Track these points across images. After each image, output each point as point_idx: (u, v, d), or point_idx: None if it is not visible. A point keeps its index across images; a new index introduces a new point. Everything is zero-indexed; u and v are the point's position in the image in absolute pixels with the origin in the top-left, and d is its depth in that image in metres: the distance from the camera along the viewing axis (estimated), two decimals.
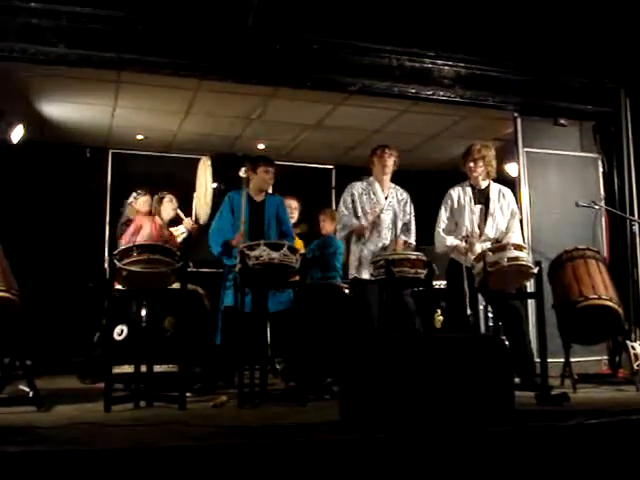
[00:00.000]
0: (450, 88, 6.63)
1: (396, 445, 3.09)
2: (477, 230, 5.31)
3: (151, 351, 4.68)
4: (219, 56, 5.93)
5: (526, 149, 6.87)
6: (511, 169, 7.61)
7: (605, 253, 6.69)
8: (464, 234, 5.26)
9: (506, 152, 7.32)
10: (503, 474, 3.14)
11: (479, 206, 5.37)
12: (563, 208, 6.73)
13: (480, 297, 5.12)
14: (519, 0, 6.16)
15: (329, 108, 7.47)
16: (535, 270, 4.82)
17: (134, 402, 4.44)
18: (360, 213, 5.42)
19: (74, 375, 6.23)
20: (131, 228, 5.81)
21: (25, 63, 5.72)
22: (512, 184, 6.21)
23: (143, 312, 4.90)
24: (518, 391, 4.00)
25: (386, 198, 5.45)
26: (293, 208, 6.28)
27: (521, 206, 6.50)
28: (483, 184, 5.43)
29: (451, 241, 5.30)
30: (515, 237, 5.26)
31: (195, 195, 6.62)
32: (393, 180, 5.58)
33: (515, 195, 5.71)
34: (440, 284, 6.46)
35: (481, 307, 5.20)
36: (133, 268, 4.35)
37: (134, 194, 6.32)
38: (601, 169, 7.12)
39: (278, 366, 5.89)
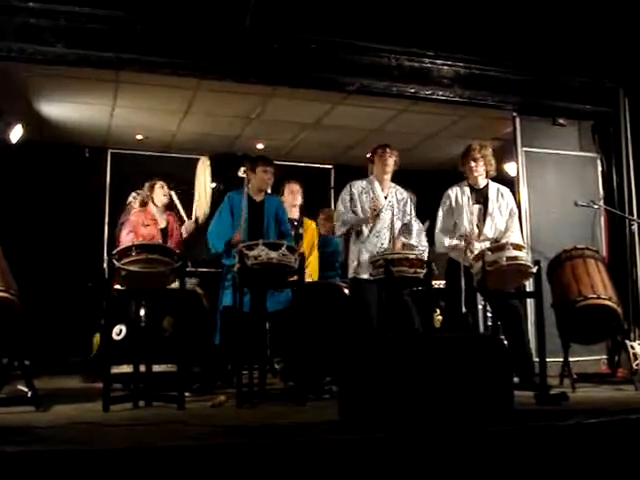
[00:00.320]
0: (449, 88, 6.64)
1: (396, 445, 3.09)
2: (476, 230, 5.31)
3: (150, 351, 4.68)
4: (218, 56, 5.93)
5: (525, 149, 6.88)
6: (510, 169, 7.61)
7: (604, 252, 6.69)
8: (462, 233, 5.27)
9: (505, 152, 7.32)
10: (502, 473, 3.14)
11: (477, 206, 5.37)
12: (562, 208, 6.73)
13: (479, 296, 5.12)
14: (518, 0, 6.17)
15: (328, 107, 7.47)
16: (534, 269, 4.82)
17: (133, 402, 4.44)
18: (359, 212, 5.41)
19: (73, 375, 6.22)
20: (125, 231, 5.79)
21: (23, 63, 5.71)
22: (511, 184, 6.21)
23: (142, 312, 4.90)
24: (517, 390, 3.99)
25: (386, 197, 5.44)
26: (296, 191, 6.28)
27: (520, 206, 6.50)
28: (482, 184, 5.43)
29: (449, 242, 5.31)
30: (515, 237, 5.26)
31: (195, 195, 6.62)
32: (392, 180, 5.58)
33: (514, 195, 5.71)
34: (439, 284, 6.46)
35: (480, 307, 5.19)
36: (132, 268, 4.35)
37: (133, 194, 6.32)
38: (600, 168, 7.12)
39: (277, 366, 5.89)
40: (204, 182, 6.54)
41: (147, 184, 5.93)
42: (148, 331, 4.82)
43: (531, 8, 6.16)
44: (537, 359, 4.93)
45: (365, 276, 5.23)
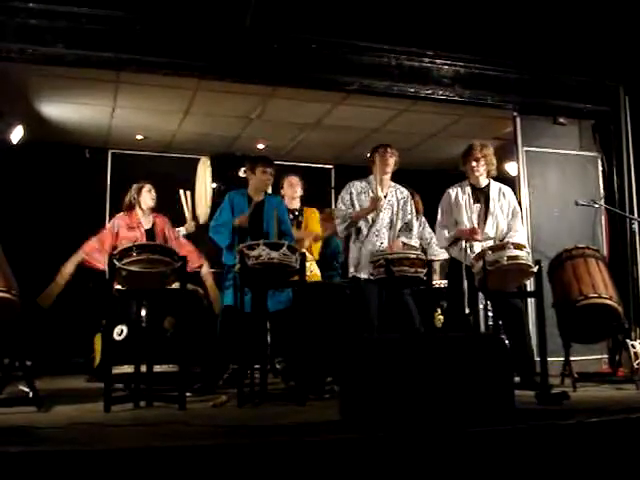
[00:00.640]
0: (449, 87, 6.64)
1: (396, 444, 3.09)
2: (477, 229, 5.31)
3: (151, 351, 4.68)
4: (218, 56, 5.94)
5: (525, 148, 6.88)
6: (511, 168, 7.61)
7: (605, 252, 6.69)
8: (465, 228, 5.28)
9: (506, 151, 7.32)
10: (503, 473, 3.14)
11: (478, 205, 5.37)
12: (563, 207, 6.74)
13: (480, 296, 5.12)
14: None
15: (328, 107, 7.46)
16: (535, 269, 4.82)
17: (134, 402, 4.44)
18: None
19: (74, 375, 6.22)
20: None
21: (24, 63, 5.72)
22: (512, 183, 6.20)
23: (143, 312, 4.89)
24: (518, 390, 4.00)
25: (385, 197, 5.44)
26: (295, 184, 6.26)
27: (521, 205, 6.48)
28: (483, 183, 5.44)
29: (450, 234, 5.31)
30: (519, 236, 5.26)
31: (196, 195, 6.63)
32: (393, 179, 5.58)
33: (515, 194, 5.71)
34: (440, 283, 6.47)
35: (481, 306, 5.19)
36: (132, 268, 4.35)
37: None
38: (600, 168, 7.12)
39: (278, 366, 5.88)
40: (204, 182, 6.55)
41: (135, 186, 5.87)
42: (149, 331, 4.82)
43: (531, 7, 6.16)
44: (538, 358, 4.93)
45: (365, 276, 5.23)
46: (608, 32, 6.44)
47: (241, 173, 5.71)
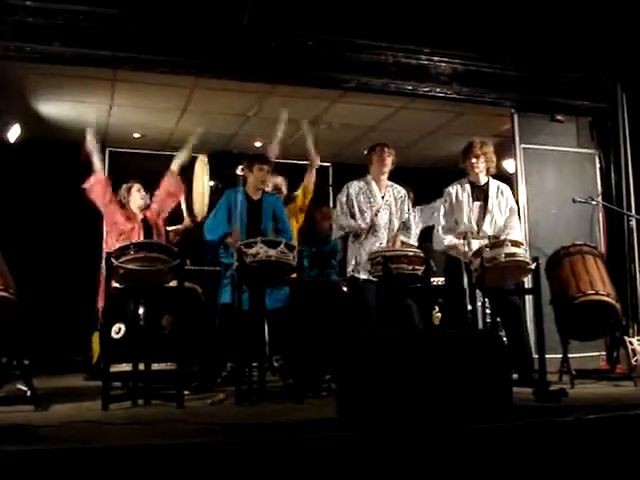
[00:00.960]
0: (447, 85, 6.63)
1: (394, 442, 3.09)
2: (475, 227, 5.31)
3: (149, 349, 4.68)
4: (215, 54, 5.93)
5: (523, 145, 6.88)
6: (508, 165, 7.62)
7: (602, 249, 6.68)
8: (461, 230, 5.27)
9: (503, 148, 7.31)
10: (501, 470, 3.15)
11: (478, 203, 5.37)
12: (560, 204, 6.74)
13: (478, 293, 5.13)
14: None
15: (325, 105, 7.46)
16: (532, 266, 4.82)
17: (132, 400, 4.44)
18: (357, 213, 5.40)
19: (72, 374, 6.21)
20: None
21: (21, 62, 5.72)
22: (509, 180, 6.21)
23: (141, 310, 4.89)
24: (516, 387, 4.00)
25: (383, 197, 5.44)
26: (279, 183, 6.22)
27: (518, 202, 6.49)
28: (482, 180, 5.44)
29: (449, 240, 5.31)
30: (515, 234, 5.26)
31: (194, 193, 6.61)
32: (390, 178, 5.58)
33: (512, 191, 5.71)
34: (438, 281, 6.46)
35: (479, 303, 5.19)
36: (130, 266, 4.35)
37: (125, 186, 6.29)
38: (598, 165, 7.11)
39: (276, 363, 5.88)
40: (202, 180, 6.53)
41: (124, 186, 5.89)
42: (147, 329, 4.81)
43: (528, 4, 6.16)
44: (536, 355, 4.94)
45: (364, 276, 5.23)
46: (605, 29, 6.45)
47: (239, 171, 5.69)
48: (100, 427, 3.48)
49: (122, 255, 4.36)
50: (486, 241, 5.12)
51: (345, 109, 7.51)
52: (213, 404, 4.48)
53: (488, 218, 5.33)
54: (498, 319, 5.23)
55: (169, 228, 6.18)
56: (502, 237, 5.14)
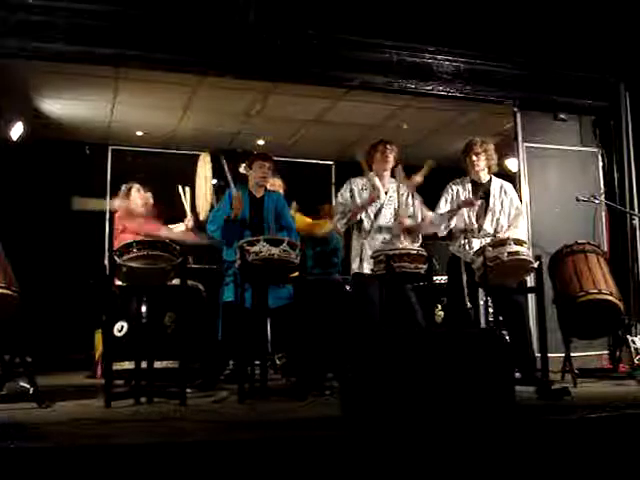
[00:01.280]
0: (450, 83, 6.63)
1: (397, 441, 3.09)
2: (476, 225, 5.31)
3: (151, 347, 4.67)
4: (220, 52, 5.92)
5: (526, 144, 6.87)
6: (511, 164, 7.60)
7: (605, 247, 6.68)
8: (462, 227, 5.27)
9: (506, 147, 7.31)
10: (504, 469, 3.14)
11: (479, 201, 5.36)
12: (563, 203, 6.72)
13: (481, 292, 5.12)
14: None
15: (329, 103, 7.46)
16: (535, 265, 4.82)
17: (134, 398, 4.43)
18: None
19: (74, 371, 6.22)
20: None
21: (24, 60, 5.72)
22: (512, 179, 6.20)
23: (143, 308, 4.89)
24: (519, 386, 4.00)
25: (386, 193, 5.43)
26: (277, 186, 6.21)
27: (521, 201, 6.48)
28: (484, 178, 5.42)
29: (446, 208, 5.30)
30: (518, 232, 5.25)
31: (196, 191, 6.61)
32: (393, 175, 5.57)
33: (515, 190, 5.70)
34: (441, 279, 6.46)
35: (482, 302, 5.19)
36: (133, 264, 4.35)
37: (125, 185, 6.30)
38: (601, 163, 7.11)
39: (278, 361, 5.89)
40: (205, 178, 6.54)
41: (124, 187, 5.88)
42: (149, 327, 4.82)
43: (532, 3, 6.16)
44: (539, 354, 4.93)
45: (368, 271, 5.20)
46: (609, 28, 6.44)
47: (241, 169, 5.68)
48: (103, 425, 3.48)
49: (125, 253, 4.36)
50: (487, 240, 5.11)
51: (348, 107, 7.50)
52: (216, 402, 4.48)
53: (489, 216, 5.31)
54: (500, 318, 5.22)
55: (170, 226, 6.18)
56: (504, 235, 5.13)
